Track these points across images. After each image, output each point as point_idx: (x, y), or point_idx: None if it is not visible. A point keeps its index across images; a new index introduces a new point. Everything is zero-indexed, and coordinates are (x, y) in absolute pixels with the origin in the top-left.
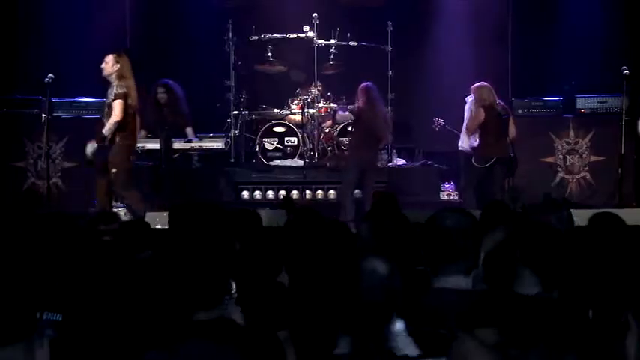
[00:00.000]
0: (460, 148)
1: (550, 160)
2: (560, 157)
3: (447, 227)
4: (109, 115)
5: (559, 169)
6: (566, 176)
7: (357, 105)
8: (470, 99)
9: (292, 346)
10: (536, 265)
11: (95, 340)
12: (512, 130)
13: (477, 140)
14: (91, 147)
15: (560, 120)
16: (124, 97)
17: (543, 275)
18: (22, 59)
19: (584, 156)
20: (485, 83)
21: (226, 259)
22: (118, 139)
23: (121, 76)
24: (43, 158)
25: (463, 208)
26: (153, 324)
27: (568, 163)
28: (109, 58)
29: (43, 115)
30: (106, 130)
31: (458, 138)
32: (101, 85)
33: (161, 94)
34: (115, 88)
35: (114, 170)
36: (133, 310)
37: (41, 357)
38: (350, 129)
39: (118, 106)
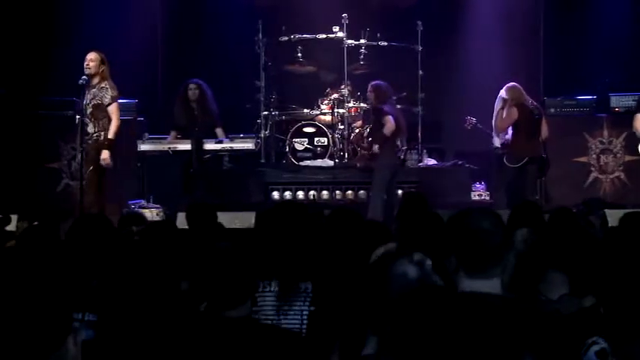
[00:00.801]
0: (495, 148)
1: (583, 159)
2: (594, 156)
3: (472, 227)
4: (98, 116)
5: (592, 168)
6: (600, 176)
7: (377, 104)
8: (502, 95)
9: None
10: (566, 267)
11: (130, 341)
12: (544, 130)
13: (510, 137)
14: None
15: (594, 119)
16: (117, 99)
17: (573, 277)
18: (56, 61)
19: (618, 155)
20: (516, 84)
21: (248, 258)
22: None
23: (106, 77)
24: (76, 159)
25: (489, 208)
26: (183, 320)
27: (602, 163)
28: (95, 57)
29: (77, 117)
30: (113, 134)
31: (490, 137)
32: (136, 86)
33: (192, 94)
34: (109, 90)
35: (91, 168)
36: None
37: (73, 353)
38: (370, 129)
39: (117, 109)
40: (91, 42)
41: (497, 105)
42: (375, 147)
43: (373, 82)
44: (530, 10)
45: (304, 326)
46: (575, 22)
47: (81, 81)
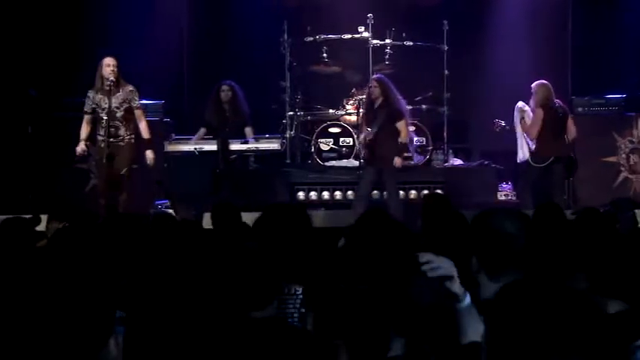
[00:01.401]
0: (520, 162)
1: (612, 159)
2: (624, 156)
3: (494, 228)
4: (129, 119)
5: (622, 168)
6: (630, 176)
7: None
8: (519, 106)
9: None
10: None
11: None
12: (572, 130)
13: (535, 143)
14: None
15: (623, 118)
16: None
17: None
18: (85, 62)
19: None
20: (545, 81)
21: (272, 259)
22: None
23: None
24: (104, 160)
25: (514, 209)
26: (212, 320)
27: (632, 162)
28: (115, 62)
29: (104, 118)
30: (150, 134)
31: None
32: (162, 87)
33: (224, 95)
34: (136, 93)
35: (126, 169)
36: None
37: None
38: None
39: (143, 112)
40: (118, 44)
41: (517, 117)
42: (397, 160)
43: (376, 76)
44: (558, 8)
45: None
46: (604, 19)
47: (108, 82)
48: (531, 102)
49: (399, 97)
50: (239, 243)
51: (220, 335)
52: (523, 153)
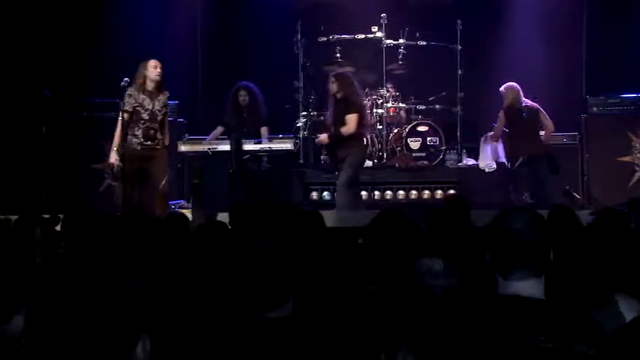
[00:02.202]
0: (486, 168)
1: (627, 159)
2: (638, 155)
3: (514, 228)
4: (164, 125)
5: (637, 168)
6: None
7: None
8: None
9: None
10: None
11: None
12: (548, 124)
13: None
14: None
15: (638, 117)
16: None
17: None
18: (99, 63)
19: None
20: (513, 84)
21: (286, 258)
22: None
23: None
24: (118, 160)
25: (528, 208)
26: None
27: None
28: (161, 65)
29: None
30: (168, 141)
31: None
32: (176, 87)
33: (242, 100)
34: (167, 99)
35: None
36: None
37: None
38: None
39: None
40: (132, 44)
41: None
42: (322, 137)
43: (336, 72)
44: (573, 7)
45: None
46: (618, 19)
47: (123, 83)
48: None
49: (359, 93)
50: (254, 243)
51: (235, 335)
52: (482, 159)
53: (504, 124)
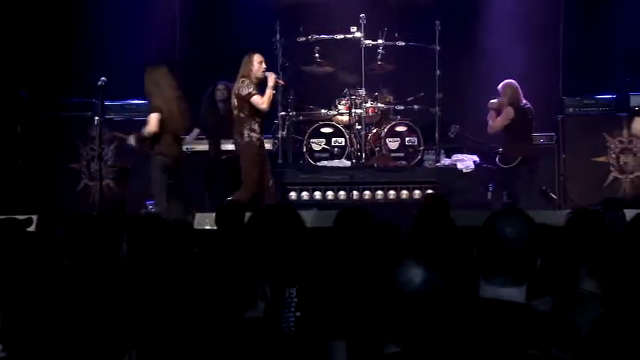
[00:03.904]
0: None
1: (603, 159)
2: (614, 156)
3: (504, 234)
4: None
5: (612, 168)
6: (620, 176)
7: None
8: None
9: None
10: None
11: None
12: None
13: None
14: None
15: (614, 118)
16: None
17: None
18: (76, 63)
19: (638, 155)
20: (512, 81)
21: (264, 259)
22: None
23: None
24: (95, 160)
25: (518, 210)
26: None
27: (621, 163)
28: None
29: (96, 118)
30: None
31: (481, 144)
32: None
33: (220, 94)
34: None
35: None
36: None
37: None
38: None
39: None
40: (109, 44)
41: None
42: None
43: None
44: (550, 9)
45: (292, 333)
46: (595, 20)
47: (100, 82)
48: (496, 101)
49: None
50: (238, 244)
51: (208, 335)
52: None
53: (510, 121)
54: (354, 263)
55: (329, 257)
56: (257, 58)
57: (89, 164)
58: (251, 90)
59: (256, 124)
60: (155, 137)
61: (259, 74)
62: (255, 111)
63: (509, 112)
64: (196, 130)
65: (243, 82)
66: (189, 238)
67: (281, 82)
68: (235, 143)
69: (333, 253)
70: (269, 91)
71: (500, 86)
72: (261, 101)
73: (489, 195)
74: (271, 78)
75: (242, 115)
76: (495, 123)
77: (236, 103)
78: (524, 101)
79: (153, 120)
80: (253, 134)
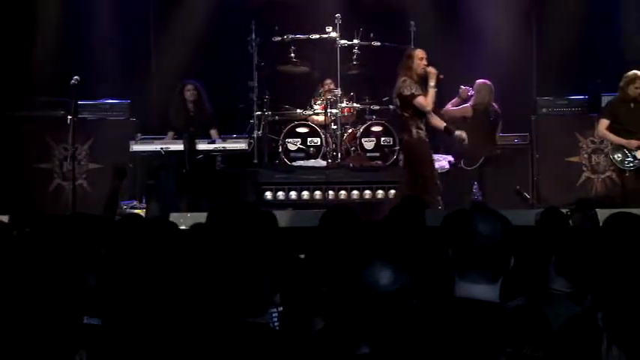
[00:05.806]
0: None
1: (575, 159)
2: (586, 156)
3: (478, 231)
4: None
5: (584, 168)
6: (592, 176)
7: None
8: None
9: None
10: (566, 267)
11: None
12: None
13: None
14: None
15: (586, 119)
16: None
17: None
18: (48, 61)
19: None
20: (487, 82)
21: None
22: None
23: None
24: (68, 160)
25: (491, 209)
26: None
27: (593, 163)
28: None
29: (69, 117)
30: None
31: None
32: (128, 86)
33: (189, 94)
34: None
35: None
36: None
37: None
38: None
39: None
40: (82, 43)
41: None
42: None
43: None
44: (524, 10)
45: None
46: (569, 22)
47: (73, 81)
48: (467, 90)
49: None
50: (229, 246)
51: (208, 339)
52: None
53: (465, 117)
54: (339, 261)
55: (313, 255)
56: (419, 54)
57: (62, 164)
58: (413, 90)
59: (422, 122)
60: None
61: (419, 70)
62: (419, 110)
63: (467, 110)
64: (170, 134)
65: (404, 81)
66: (189, 238)
67: (441, 76)
68: (404, 142)
69: (318, 251)
70: (432, 91)
71: (476, 83)
72: (425, 103)
73: (465, 195)
74: (432, 75)
75: (406, 114)
76: (451, 110)
77: (399, 103)
78: (493, 104)
79: None
80: (421, 132)
